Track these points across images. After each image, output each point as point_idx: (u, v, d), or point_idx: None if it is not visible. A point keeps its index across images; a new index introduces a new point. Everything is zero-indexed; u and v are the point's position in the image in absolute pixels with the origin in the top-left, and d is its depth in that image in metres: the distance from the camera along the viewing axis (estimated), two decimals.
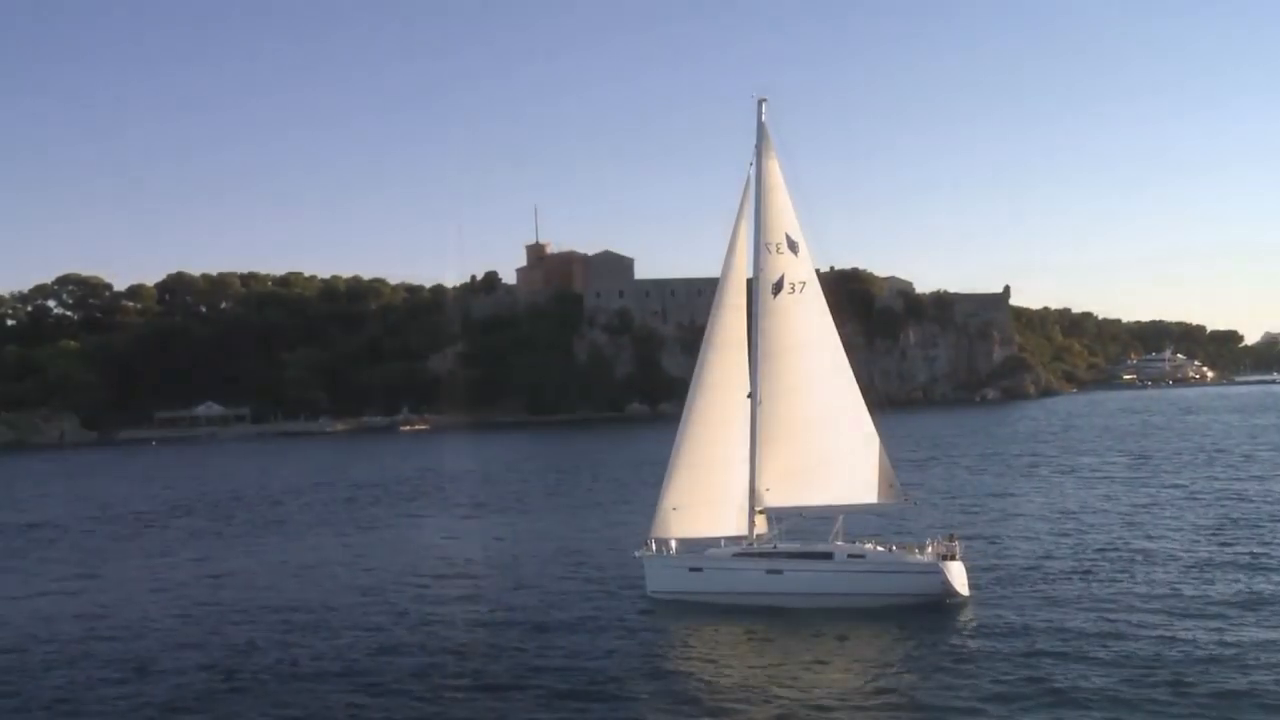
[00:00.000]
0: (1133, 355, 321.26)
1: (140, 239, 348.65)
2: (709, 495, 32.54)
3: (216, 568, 44.42)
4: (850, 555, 30.84)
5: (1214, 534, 42.29)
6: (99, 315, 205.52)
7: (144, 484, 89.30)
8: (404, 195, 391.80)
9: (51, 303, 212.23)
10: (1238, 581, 33.14)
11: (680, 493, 32.66)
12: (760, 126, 32.49)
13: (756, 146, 32.44)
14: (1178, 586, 32.64)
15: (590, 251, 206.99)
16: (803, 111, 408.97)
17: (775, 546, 32.07)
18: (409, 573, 40.65)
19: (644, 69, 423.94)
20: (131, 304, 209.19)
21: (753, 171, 32.45)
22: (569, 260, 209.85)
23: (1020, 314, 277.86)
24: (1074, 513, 49.98)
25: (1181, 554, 37.95)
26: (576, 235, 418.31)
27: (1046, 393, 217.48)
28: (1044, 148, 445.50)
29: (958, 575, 30.53)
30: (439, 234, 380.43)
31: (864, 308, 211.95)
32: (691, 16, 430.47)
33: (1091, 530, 44.26)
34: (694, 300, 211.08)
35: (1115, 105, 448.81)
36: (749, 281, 32.80)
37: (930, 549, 30.88)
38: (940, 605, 30.16)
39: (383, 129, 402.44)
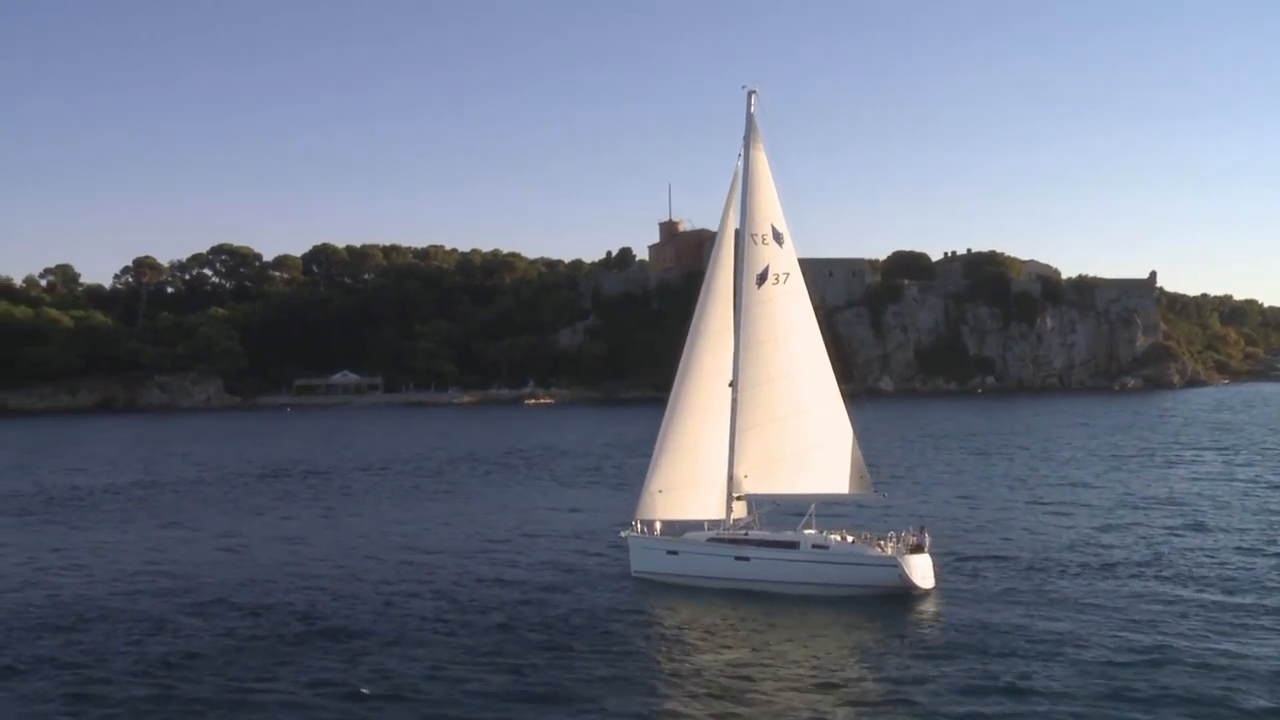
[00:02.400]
0: None
1: (293, 211, 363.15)
2: (692, 479, 33.37)
3: (284, 529, 47.21)
4: (815, 545, 31.21)
5: (1229, 535, 41.07)
6: (249, 284, 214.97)
7: (261, 448, 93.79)
8: (546, 172, 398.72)
9: (208, 271, 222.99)
10: (1221, 586, 32.38)
11: (665, 476, 33.53)
12: (749, 118, 32.79)
13: (745, 138, 32.77)
14: (1155, 589, 32.04)
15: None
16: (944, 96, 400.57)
17: (746, 534, 32.63)
18: (452, 541, 42.91)
19: (765, 52, 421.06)
20: (278, 274, 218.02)
21: (740, 163, 32.83)
22: (701, 238, 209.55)
23: (1175, 301, 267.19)
24: (1096, 508, 48.81)
25: (1180, 557, 36.92)
26: (710, 213, 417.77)
27: (1192, 383, 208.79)
28: (1223, 141, 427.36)
29: (920, 568, 30.58)
30: (578, 209, 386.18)
31: (1000, 291, 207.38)
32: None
33: (1101, 528, 43.25)
34: (824, 281, 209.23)
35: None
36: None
37: (893, 541, 31.01)
38: (902, 597, 30.27)
39: (523, 108, 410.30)
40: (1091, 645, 26.10)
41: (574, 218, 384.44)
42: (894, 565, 30.19)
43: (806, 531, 32.01)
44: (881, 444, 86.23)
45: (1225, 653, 25.46)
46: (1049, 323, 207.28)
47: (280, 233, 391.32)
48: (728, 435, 33.16)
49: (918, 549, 30.87)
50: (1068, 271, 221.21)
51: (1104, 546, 39.00)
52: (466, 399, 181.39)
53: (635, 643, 27.23)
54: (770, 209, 32.88)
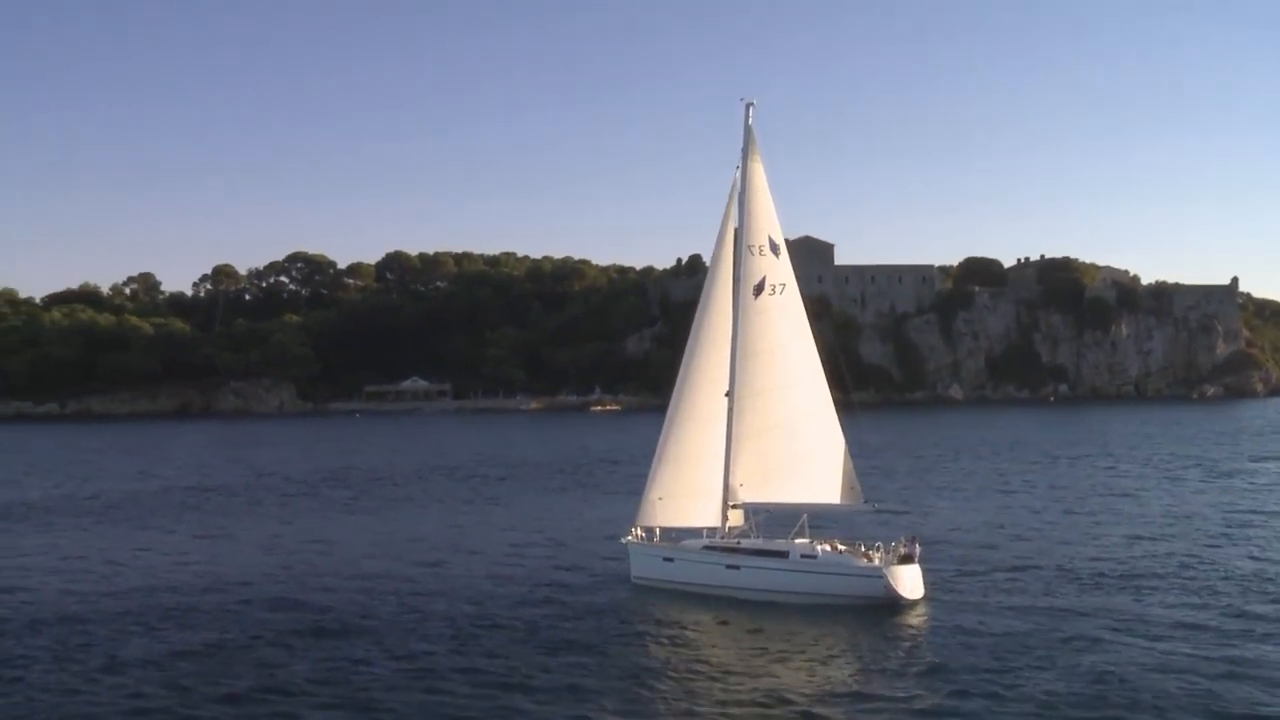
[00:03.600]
0: None
1: (368, 219, 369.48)
2: (691, 488, 33.69)
3: (323, 531, 47.99)
4: (803, 555, 31.31)
5: (1264, 549, 40.04)
6: (324, 291, 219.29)
7: (324, 454, 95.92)
8: (619, 178, 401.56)
9: (284, 279, 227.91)
10: (1242, 598, 31.67)
11: (664, 484, 33.90)
12: (747, 130, 33.04)
13: (742, 149, 33.05)
14: (1169, 601, 31.37)
15: (791, 237, 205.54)
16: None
17: (739, 542, 32.88)
18: (485, 544, 43.55)
19: (837, 57, 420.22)
20: (352, 281, 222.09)
21: (738, 174, 33.15)
22: None
23: (1263, 307, 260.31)
24: (1134, 519, 47.81)
25: (1208, 569, 36.06)
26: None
27: (1277, 392, 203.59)
28: None
29: (907, 579, 30.47)
30: (651, 216, 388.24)
31: (1073, 297, 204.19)
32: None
33: (1131, 539, 42.30)
34: (894, 288, 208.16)
35: None
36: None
37: (881, 551, 31.02)
38: (889, 608, 30.20)
39: (598, 115, 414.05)
40: (1082, 656, 25.66)
41: (646, 225, 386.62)
42: (879, 576, 30.21)
43: (798, 541, 32.14)
44: (939, 451, 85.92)
45: (1226, 660, 25.11)
46: (1124, 330, 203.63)
47: (355, 240, 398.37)
48: (724, 444, 33.44)
49: (907, 559, 30.84)
50: (1148, 278, 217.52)
51: (1129, 558, 38.29)
52: (534, 405, 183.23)
53: (617, 647, 27.55)
54: (767, 220, 33.16)
